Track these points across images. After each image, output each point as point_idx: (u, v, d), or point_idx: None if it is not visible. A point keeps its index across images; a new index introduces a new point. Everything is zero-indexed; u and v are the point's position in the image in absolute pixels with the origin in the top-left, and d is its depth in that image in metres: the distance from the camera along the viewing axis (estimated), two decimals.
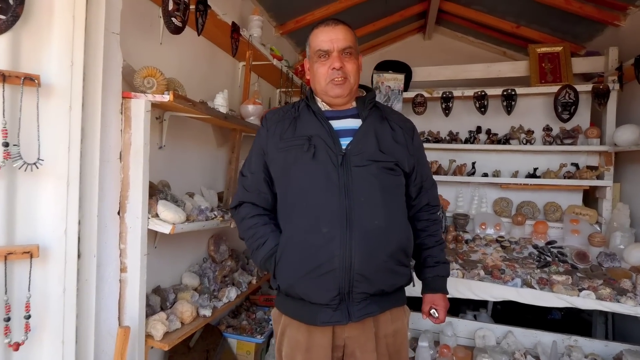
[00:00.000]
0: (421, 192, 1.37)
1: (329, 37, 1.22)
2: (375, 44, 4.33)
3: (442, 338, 2.20)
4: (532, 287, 1.99)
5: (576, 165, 2.79)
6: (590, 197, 2.84)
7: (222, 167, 2.39)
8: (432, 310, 1.32)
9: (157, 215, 1.52)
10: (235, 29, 2.01)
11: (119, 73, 1.41)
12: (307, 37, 1.32)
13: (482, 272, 2.13)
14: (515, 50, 4.02)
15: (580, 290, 1.91)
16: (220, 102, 1.94)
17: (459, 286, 2.08)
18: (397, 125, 1.31)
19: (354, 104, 1.31)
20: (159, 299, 1.75)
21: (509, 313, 2.97)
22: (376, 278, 1.18)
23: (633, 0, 2.55)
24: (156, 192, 1.63)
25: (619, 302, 1.82)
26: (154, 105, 1.53)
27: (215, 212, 1.85)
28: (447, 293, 1.37)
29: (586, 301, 1.86)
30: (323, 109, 1.28)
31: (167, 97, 1.41)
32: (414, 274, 1.34)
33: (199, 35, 1.75)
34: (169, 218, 1.50)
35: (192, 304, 1.80)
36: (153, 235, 1.68)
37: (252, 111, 2.25)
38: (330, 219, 1.15)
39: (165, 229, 1.48)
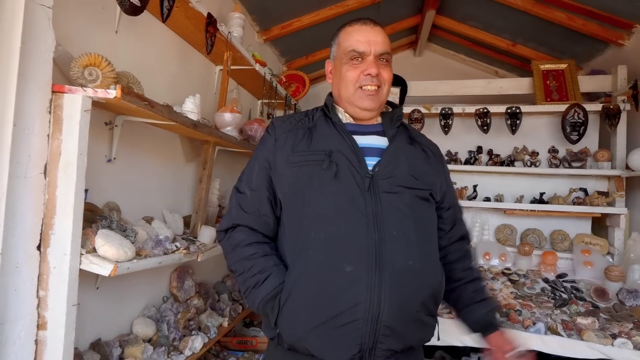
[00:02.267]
0: (456, 223, 1.16)
1: (367, 38, 1.05)
2: None
3: None
4: (558, 333, 1.69)
5: (584, 190, 2.56)
6: (600, 225, 2.61)
7: (190, 187, 2.02)
8: (518, 350, 1.05)
9: (94, 250, 1.13)
10: (211, 21, 1.68)
11: (48, 59, 1.05)
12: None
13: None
14: (508, 70, 3.88)
15: (613, 338, 1.62)
16: (190, 108, 1.59)
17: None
18: (428, 148, 1.14)
19: (379, 119, 1.13)
20: (98, 358, 1.33)
21: None
22: (406, 331, 0.95)
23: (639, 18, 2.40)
24: (97, 218, 1.24)
25: None
26: (99, 104, 1.16)
27: (178, 244, 1.47)
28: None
29: (623, 352, 1.58)
30: (345, 121, 1.08)
31: (113, 93, 1.05)
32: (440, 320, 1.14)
33: (163, 21, 1.41)
34: (110, 254, 1.11)
35: None
36: (93, 274, 1.27)
37: (229, 120, 1.90)
38: (355, 256, 0.92)
39: (104, 269, 1.09)
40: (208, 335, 1.81)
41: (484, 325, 1.11)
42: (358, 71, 1.04)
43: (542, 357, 2.66)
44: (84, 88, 1.06)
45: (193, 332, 1.75)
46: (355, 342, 0.89)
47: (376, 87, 1.05)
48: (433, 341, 1.59)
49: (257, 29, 2.90)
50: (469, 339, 1.76)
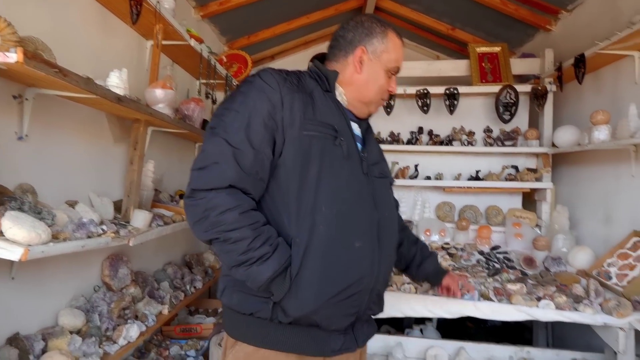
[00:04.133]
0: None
1: (402, 58, 1.12)
2: (308, 40, 4.10)
3: None
4: (489, 299, 1.81)
5: (516, 167, 2.75)
6: (529, 200, 2.82)
7: (120, 169, 1.90)
8: (460, 284, 1.37)
9: (1, 234, 1.03)
10: None
11: None
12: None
13: None
14: (448, 54, 4.04)
15: (538, 300, 1.76)
16: (115, 83, 1.49)
17: (414, 303, 1.84)
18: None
19: None
20: (16, 353, 1.24)
21: (452, 321, 2.85)
22: (382, 300, 1.11)
23: (565, 5, 2.58)
24: (6, 200, 1.13)
25: (577, 310, 1.70)
26: (2, 73, 1.04)
27: (105, 227, 1.38)
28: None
29: (547, 312, 1.73)
30: (344, 104, 1.10)
31: (13, 57, 0.94)
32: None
33: None
34: (19, 237, 1.01)
35: (68, 354, 1.32)
36: (7, 261, 1.16)
37: (160, 97, 1.80)
38: (363, 233, 0.99)
39: (13, 253, 1.00)
40: (146, 323, 1.74)
41: (439, 272, 1.38)
42: (387, 84, 1.10)
43: (476, 323, 2.87)
44: None
45: (129, 321, 1.67)
46: (355, 310, 0.98)
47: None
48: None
49: (193, 4, 2.76)
50: (409, 310, 1.84)
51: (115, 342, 1.53)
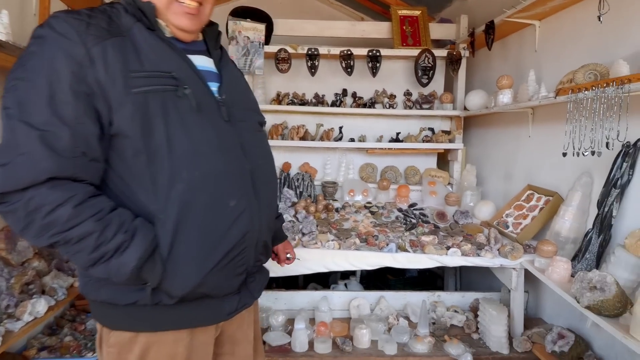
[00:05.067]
0: None
1: None
2: None
3: (317, 315, 2.06)
4: (406, 250, 1.98)
5: (432, 129, 2.95)
6: (443, 160, 3.07)
7: None
8: (289, 255, 1.39)
9: None
10: None
11: None
12: None
13: (357, 241, 2.04)
14: (373, 16, 4.10)
15: (447, 249, 1.97)
16: None
17: (337, 258, 1.95)
18: (240, 72, 1.16)
19: (200, 36, 1.03)
20: None
21: (374, 275, 3.09)
22: (270, 245, 1.11)
23: None
24: None
25: (479, 256, 1.94)
26: None
27: None
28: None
29: (454, 259, 1.94)
30: (168, 35, 0.92)
31: None
32: None
33: None
34: None
35: None
36: None
37: None
38: (236, 189, 0.93)
39: None
40: (55, 297, 1.63)
41: (279, 237, 1.33)
42: None
43: (395, 275, 3.15)
44: None
45: (35, 296, 1.56)
46: (244, 268, 0.96)
47: (197, 4, 0.90)
48: (299, 271, 1.80)
49: None
50: (332, 264, 1.95)
51: (19, 319, 1.42)
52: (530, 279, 1.95)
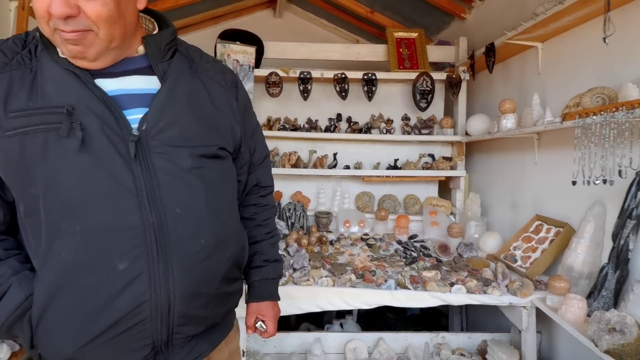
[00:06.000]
0: (250, 170, 1.10)
1: None
2: (217, 15, 3.97)
3: (310, 359, 1.97)
4: (406, 287, 1.91)
5: (432, 156, 2.93)
6: (445, 188, 3.04)
7: None
8: (259, 323, 1.15)
9: None
10: None
11: None
12: None
13: (353, 277, 1.96)
14: (368, 38, 4.18)
15: (451, 286, 1.90)
16: None
17: (331, 297, 1.87)
18: (213, 80, 0.96)
19: (140, 49, 0.88)
20: None
21: (373, 313, 2.99)
22: (207, 313, 0.91)
23: None
24: None
25: (486, 293, 1.86)
26: None
27: None
28: (278, 299, 1.19)
29: (459, 296, 1.87)
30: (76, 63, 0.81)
31: None
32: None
33: None
34: None
35: None
36: None
37: None
38: (129, 248, 0.78)
39: None
40: (19, 342, 1.54)
41: (249, 291, 1.16)
42: (44, 4, 0.72)
43: (396, 313, 3.05)
44: None
45: None
46: (145, 342, 0.82)
47: (78, 34, 0.75)
48: (290, 311, 1.57)
49: None
50: (326, 303, 1.87)
51: None
52: (542, 318, 1.87)
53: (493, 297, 1.85)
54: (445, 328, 3.00)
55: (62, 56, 0.80)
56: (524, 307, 1.85)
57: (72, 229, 0.76)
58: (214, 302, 0.92)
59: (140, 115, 0.82)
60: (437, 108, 2.95)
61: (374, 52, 3.00)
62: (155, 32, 0.92)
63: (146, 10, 0.91)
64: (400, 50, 2.89)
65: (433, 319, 3.14)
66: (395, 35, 2.93)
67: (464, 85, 2.81)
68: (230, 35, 2.86)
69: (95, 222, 0.77)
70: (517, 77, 2.43)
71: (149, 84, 0.85)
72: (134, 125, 0.81)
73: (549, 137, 2.09)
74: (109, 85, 0.82)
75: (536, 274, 1.94)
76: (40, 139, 0.75)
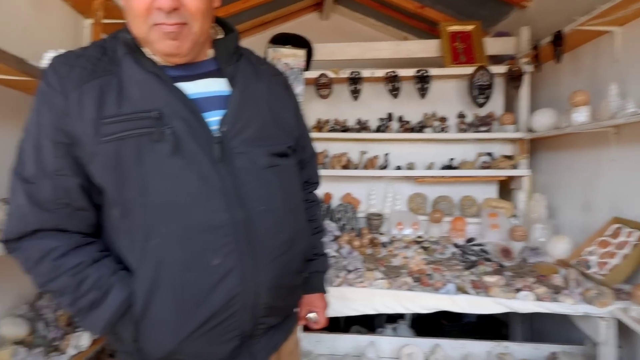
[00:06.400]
0: (301, 166, 1.13)
1: None
2: (265, 21, 4.05)
3: None
4: (466, 292, 1.82)
5: (490, 154, 2.81)
6: (505, 189, 2.89)
7: None
8: (311, 314, 1.19)
9: None
10: None
11: None
12: None
13: (409, 280, 1.91)
14: (417, 35, 4.10)
15: (517, 292, 1.80)
16: None
17: (387, 299, 1.83)
18: (274, 81, 1.02)
19: (210, 52, 0.93)
20: None
21: (426, 320, 2.89)
22: (285, 304, 0.99)
23: None
24: None
25: (557, 301, 1.74)
26: None
27: None
28: (326, 291, 1.22)
29: (526, 304, 1.76)
30: (161, 64, 0.86)
31: None
32: None
33: None
34: None
35: None
36: None
37: None
38: (222, 245, 0.83)
39: None
40: None
41: (309, 286, 1.17)
42: (146, 1, 0.78)
43: (450, 320, 2.93)
44: None
45: (78, 330, 1.60)
46: (235, 334, 0.87)
47: (177, 26, 0.80)
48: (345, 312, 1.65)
49: None
50: (381, 306, 1.83)
51: (63, 352, 1.47)
52: (623, 331, 1.71)
53: (565, 306, 1.73)
54: (505, 337, 2.84)
55: (150, 57, 0.84)
56: (601, 318, 1.70)
57: (168, 228, 0.81)
58: (291, 294, 0.99)
59: (217, 117, 0.86)
60: (496, 104, 2.82)
61: (426, 48, 2.93)
62: (219, 36, 0.96)
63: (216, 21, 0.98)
64: (455, 44, 2.81)
65: (491, 328, 2.99)
66: (449, 30, 2.84)
67: (526, 78, 2.66)
68: (280, 40, 2.91)
69: (190, 222, 0.81)
70: (589, 66, 2.26)
71: (220, 86, 0.90)
72: (214, 127, 0.85)
73: (630, 131, 1.92)
74: (188, 88, 0.85)
75: (616, 282, 1.79)
76: (133, 143, 0.79)
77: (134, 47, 0.84)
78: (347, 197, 2.92)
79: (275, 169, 0.92)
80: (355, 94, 2.81)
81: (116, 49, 0.84)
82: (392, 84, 2.77)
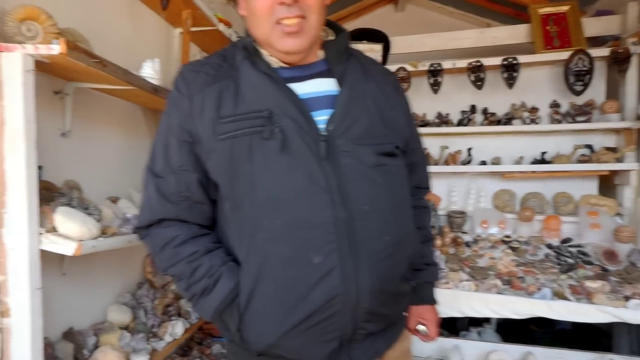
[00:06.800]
0: (411, 170, 1.07)
1: None
2: (340, 17, 4.11)
3: None
4: (565, 298, 1.76)
5: (590, 147, 2.63)
6: (607, 185, 2.69)
7: None
8: (421, 327, 1.14)
9: (54, 230, 1.14)
10: None
11: None
12: None
13: (499, 283, 1.88)
14: (502, 20, 3.90)
15: (626, 300, 1.69)
16: (149, 74, 1.59)
17: (474, 302, 1.83)
18: (383, 81, 1.02)
19: (320, 54, 0.97)
20: (71, 347, 1.38)
21: (514, 324, 2.79)
22: (387, 311, 0.95)
23: None
24: (56, 196, 1.24)
25: None
26: (44, 67, 1.15)
27: None
28: (436, 302, 1.16)
29: (638, 313, 1.65)
30: (275, 66, 0.93)
31: (56, 48, 1.03)
32: None
33: None
34: (72, 232, 1.12)
35: (120, 350, 1.45)
36: (58, 257, 1.28)
37: None
38: (323, 243, 0.85)
39: (67, 248, 1.10)
40: (189, 320, 1.87)
41: (418, 298, 1.12)
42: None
43: (542, 326, 2.79)
44: (23, 45, 1.04)
45: (173, 318, 1.81)
46: (335, 335, 0.88)
47: (298, 20, 0.86)
48: None
49: None
50: (468, 309, 1.83)
51: (161, 339, 1.65)
52: None
53: None
54: (607, 348, 2.65)
55: (267, 58, 0.92)
56: None
57: (273, 224, 0.85)
58: (394, 301, 0.96)
59: (326, 117, 0.89)
60: (596, 91, 2.62)
61: (514, 33, 2.81)
62: (329, 38, 1.00)
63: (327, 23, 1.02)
64: (548, 27, 2.65)
65: (590, 337, 2.80)
66: (540, 12, 2.69)
67: (634, 61, 2.43)
68: (357, 36, 2.96)
69: (294, 218, 0.85)
70: None
71: (330, 86, 0.93)
72: (321, 126, 0.89)
73: None
74: (299, 88, 0.91)
75: None
76: (246, 141, 0.86)
77: (252, 50, 0.92)
78: (427, 194, 2.91)
79: (382, 168, 0.92)
80: (435, 86, 2.78)
81: (235, 55, 0.94)
82: (476, 74, 2.70)
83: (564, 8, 2.65)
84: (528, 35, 2.75)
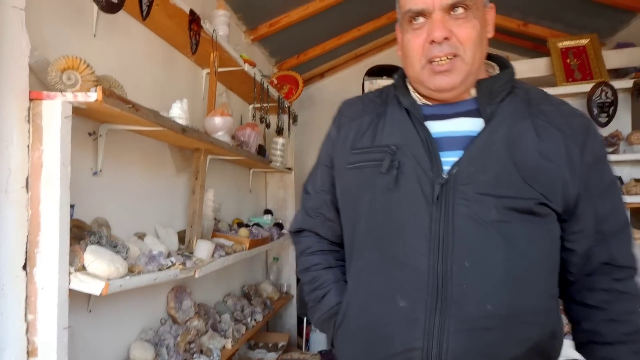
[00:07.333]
0: (595, 242, 0.86)
1: None
2: (359, 53, 4.23)
3: None
4: None
5: (619, 178, 2.56)
6: (637, 217, 2.60)
7: (183, 199, 2.06)
8: None
9: (84, 268, 1.17)
10: (194, 18, 1.75)
11: (24, 64, 1.10)
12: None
13: None
14: (520, 53, 3.93)
15: None
16: (178, 114, 1.65)
17: None
18: (552, 125, 0.84)
19: (472, 92, 0.89)
20: None
21: None
22: None
23: None
24: (86, 234, 1.29)
25: None
26: (80, 111, 1.21)
27: (173, 259, 1.51)
28: None
29: None
30: (419, 103, 0.91)
31: (93, 96, 1.10)
32: None
33: (143, 19, 1.47)
34: (100, 271, 1.15)
35: None
36: (85, 295, 1.30)
37: (220, 124, 1.96)
38: (411, 288, 0.80)
39: (95, 287, 1.13)
40: (211, 358, 1.85)
41: None
42: (421, 38, 0.84)
43: None
44: (63, 93, 1.12)
45: (195, 356, 1.80)
46: None
47: (449, 58, 0.82)
48: None
49: (243, 29, 2.97)
50: None
51: None
52: None
53: None
54: None
55: (413, 95, 0.92)
56: None
57: (372, 255, 0.88)
58: None
59: (455, 158, 0.82)
60: (621, 122, 2.58)
61: (534, 67, 2.83)
62: (495, 73, 0.94)
63: (489, 56, 0.96)
64: (568, 60, 2.67)
65: None
66: (560, 46, 2.72)
67: None
68: (376, 72, 3.05)
69: (389, 255, 0.85)
70: None
71: (473, 126, 0.86)
72: (446, 167, 0.82)
73: None
74: (436, 127, 0.87)
75: None
76: (367, 173, 0.89)
77: (399, 85, 0.94)
78: None
79: (506, 225, 0.79)
80: None
81: (388, 95, 0.97)
82: None
83: (584, 41, 2.66)
84: (548, 68, 2.76)
